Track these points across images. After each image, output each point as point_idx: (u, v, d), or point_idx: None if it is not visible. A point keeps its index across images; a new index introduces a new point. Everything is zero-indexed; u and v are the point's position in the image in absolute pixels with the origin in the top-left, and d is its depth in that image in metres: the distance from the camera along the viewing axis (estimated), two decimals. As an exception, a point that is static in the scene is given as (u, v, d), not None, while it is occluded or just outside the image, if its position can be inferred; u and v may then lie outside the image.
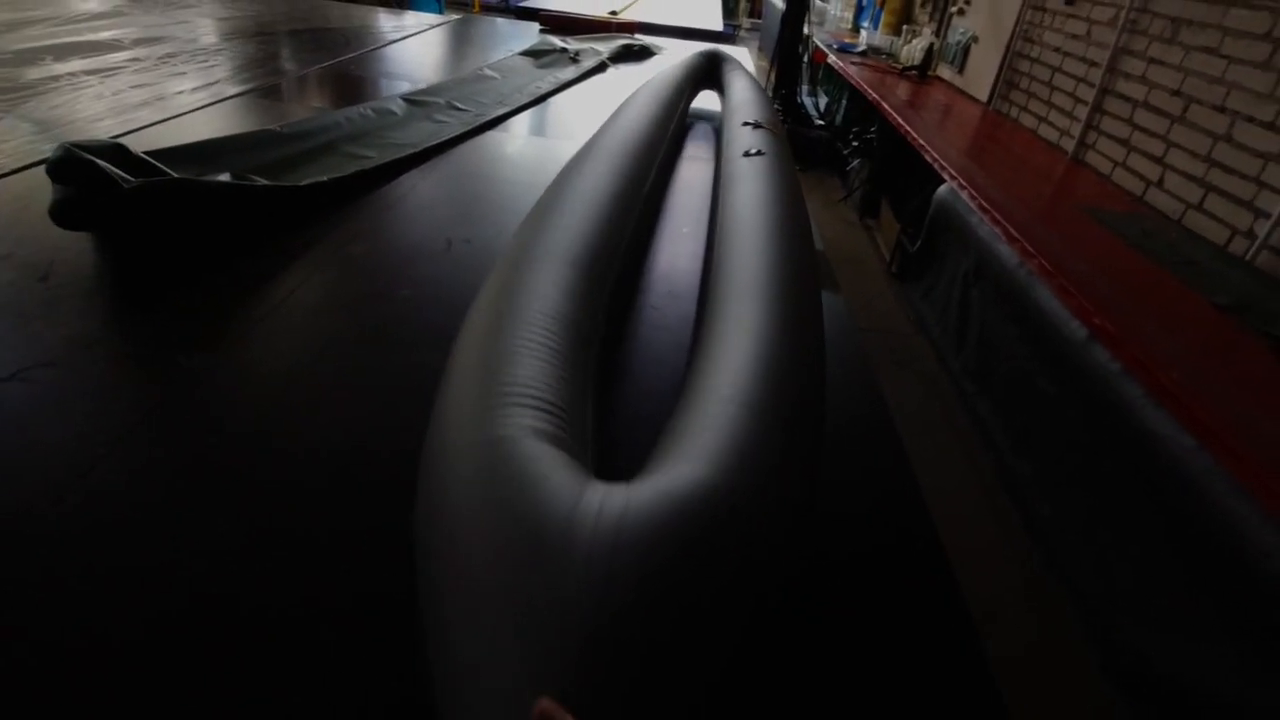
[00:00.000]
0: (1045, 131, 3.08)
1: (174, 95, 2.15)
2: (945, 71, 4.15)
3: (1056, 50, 3.05)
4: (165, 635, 0.63)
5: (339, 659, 0.62)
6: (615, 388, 1.05)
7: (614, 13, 5.25)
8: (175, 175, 1.32)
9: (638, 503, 0.50)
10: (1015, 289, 1.87)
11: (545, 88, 2.86)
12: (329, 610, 0.67)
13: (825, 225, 3.94)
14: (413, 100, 2.36)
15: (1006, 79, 3.48)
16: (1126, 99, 2.56)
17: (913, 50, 4.28)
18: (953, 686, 0.70)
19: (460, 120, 2.30)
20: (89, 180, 1.18)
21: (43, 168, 1.20)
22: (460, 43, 3.94)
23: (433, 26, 4.10)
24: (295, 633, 0.65)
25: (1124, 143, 2.54)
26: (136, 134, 1.81)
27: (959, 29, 3.98)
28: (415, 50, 3.52)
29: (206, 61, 2.61)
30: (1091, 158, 2.73)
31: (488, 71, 2.96)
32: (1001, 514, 1.93)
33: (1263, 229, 1.87)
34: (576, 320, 0.82)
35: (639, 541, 0.47)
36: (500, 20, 4.98)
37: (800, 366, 0.80)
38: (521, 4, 5.55)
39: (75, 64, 2.33)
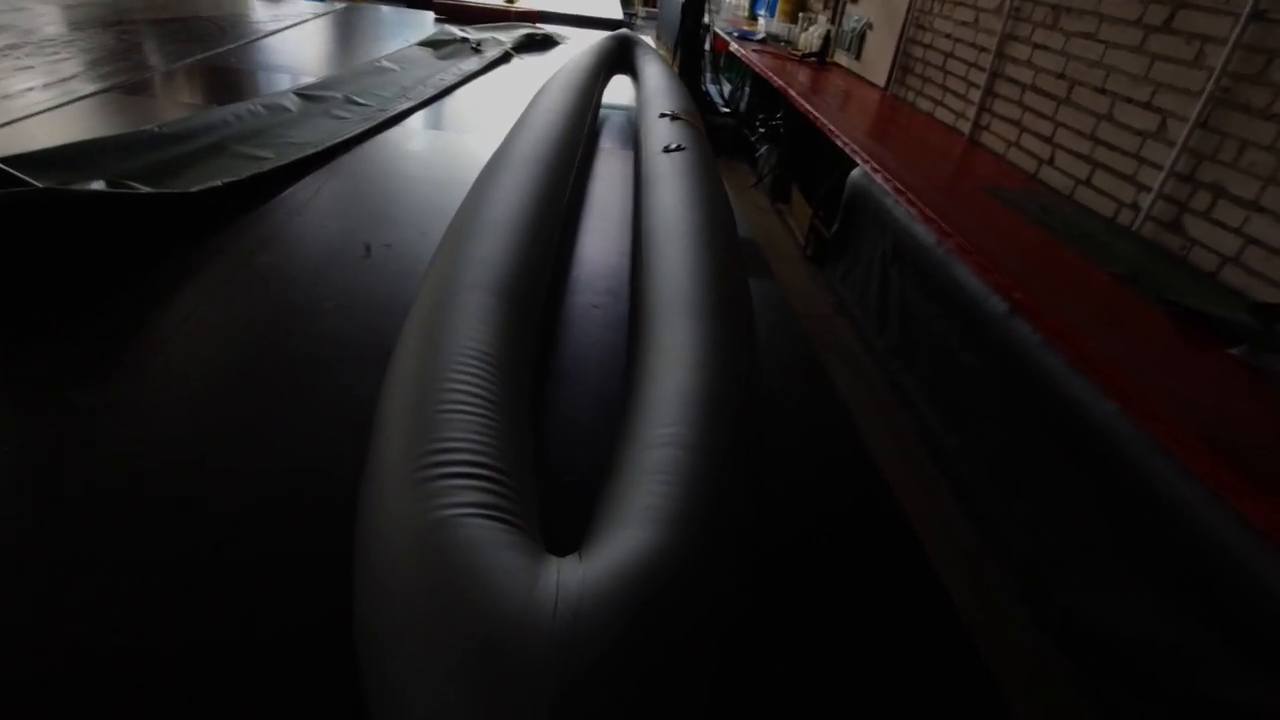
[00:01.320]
0: (942, 114, 3.22)
1: (21, 93, 1.90)
2: (843, 58, 4.28)
3: (948, 37, 3.19)
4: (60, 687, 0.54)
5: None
6: (559, 410, 0.99)
7: (510, 1, 5.10)
8: (40, 185, 1.16)
9: (592, 579, 0.48)
10: (933, 268, 1.94)
11: (449, 80, 2.74)
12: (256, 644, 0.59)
13: (740, 213, 3.99)
14: (306, 95, 2.20)
15: (902, 64, 3.62)
16: (1016, 82, 2.70)
17: (810, 37, 4.38)
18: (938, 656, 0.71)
19: (361, 115, 2.16)
20: (-67, 195, 1.01)
21: None
22: (350, 32, 3.72)
23: (317, 16, 3.84)
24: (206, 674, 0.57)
25: (1016, 124, 2.69)
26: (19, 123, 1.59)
27: (854, 16, 4.10)
28: (300, 40, 3.29)
29: (56, 54, 2.33)
30: (987, 139, 2.87)
31: (385, 63, 2.80)
32: (930, 484, 2.01)
33: (1145, 201, 2.02)
34: (507, 361, 0.76)
35: (599, 616, 0.46)
36: (390, 9, 4.73)
37: (737, 393, 0.78)
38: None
39: (-105, 59, 2.02)
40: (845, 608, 0.75)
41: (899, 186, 2.13)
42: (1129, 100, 2.12)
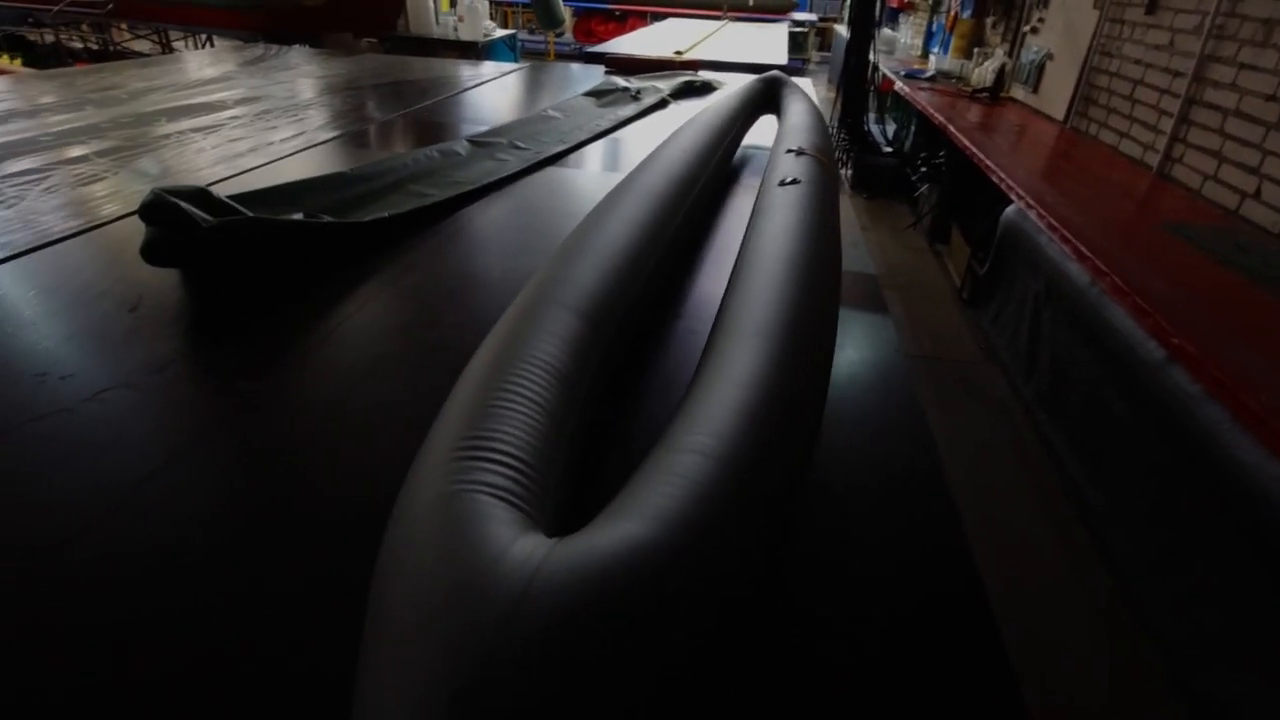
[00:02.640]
0: (1127, 147, 2.92)
1: (266, 146, 2.35)
2: (1019, 92, 4.02)
3: (1137, 63, 2.91)
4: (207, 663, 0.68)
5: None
6: (628, 423, 1.04)
7: (679, 52, 5.37)
8: (250, 215, 1.44)
9: (558, 555, 0.51)
10: (1087, 310, 1.77)
11: (604, 125, 2.96)
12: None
13: (892, 252, 3.85)
14: (477, 141, 2.49)
15: (1084, 95, 3.34)
16: (1216, 108, 2.40)
17: (984, 72, 4.17)
18: None
19: (519, 158, 2.41)
20: (174, 221, 1.31)
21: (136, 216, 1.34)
22: (530, 87, 4.13)
23: (504, 74, 4.32)
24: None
25: (1214, 154, 2.37)
26: (229, 180, 1.99)
27: (1033, 48, 3.86)
28: (487, 96, 3.72)
29: (298, 116, 2.84)
30: (1179, 172, 2.56)
31: (551, 112, 3.09)
32: (1079, 551, 1.79)
33: (1375, 240, 1.70)
34: (566, 370, 0.82)
35: (547, 587, 0.48)
36: (571, 65, 5.18)
37: (780, 411, 0.77)
38: (587, 50, 5.78)
39: (184, 123, 2.59)
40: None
41: (1052, 222, 1.97)
42: (1356, 123, 1.81)
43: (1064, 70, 3.48)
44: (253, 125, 2.62)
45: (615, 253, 1.17)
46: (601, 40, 10.80)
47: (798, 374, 0.88)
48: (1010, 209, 2.34)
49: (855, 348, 1.40)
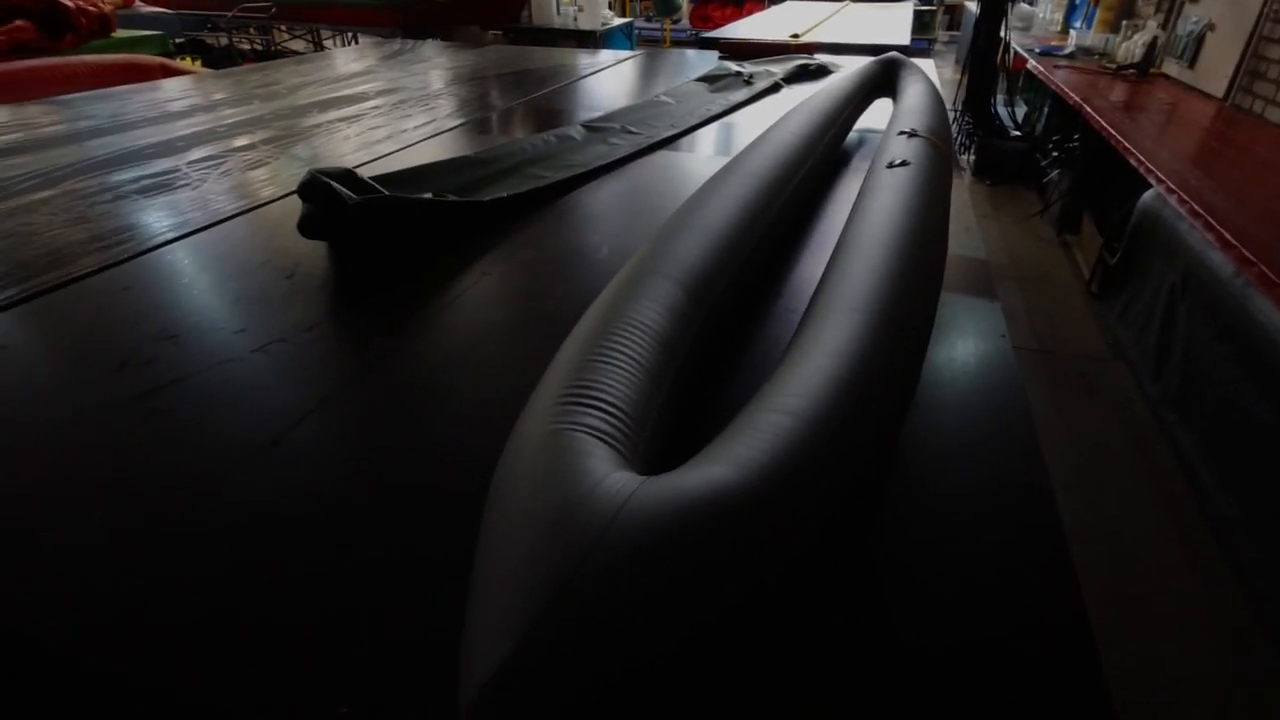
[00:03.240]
0: (1299, 126, 2.62)
1: (401, 133, 2.57)
2: (1172, 68, 3.67)
3: (1317, 31, 2.59)
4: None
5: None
6: (706, 399, 1.09)
7: (795, 35, 5.28)
8: (387, 193, 1.60)
9: (648, 491, 0.56)
10: (1229, 302, 1.63)
11: (715, 109, 2.99)
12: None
13: (1015, 241, 3.63)
14: (591, 126, 2.59)
15: (1250, 69, 3.01)
16: None
17: (1132, 46, 3.83)
18: None
19: (631, 142, 2.49)
20: (326, 198, 1.48)
21: (294, 195, 1.53)
22: (644, 73, 4.21)
23: (620, 61, 4.42)
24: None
25: (1406, 133, 2.10)
26: (363, 166, 2.19)
27: (1191, 18, 3.50)
28: (603, 83, 3.83)
29: (429, 105, 3.07)
30: (1360, 154, 2.28)
31: (663, 98, 3.15)
32: (1207, 563, 1.67)
33: None
34: (666, 333, 0.89)
35: (635, 522, 0.53)
36: (686, 51, 5.22)
37: (877, 381, 0.79)
38: (702, 35, 5.77)
39: (332, 114, 2.86)
40: None
41: (1195, 208, 1.81)
42: None
43: (1227, 42, 3.15)
44: (390, 114, 2.86)
45: (716, 230, 1.22)
46: (718, 25, 10.74)
47: (890, 349, 0.89)
48: (1148, 194, 2.17)
49: (959, 333, 1.37)
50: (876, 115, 2.81)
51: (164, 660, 0.68)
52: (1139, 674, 1.50)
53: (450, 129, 2.63)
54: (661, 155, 2.43)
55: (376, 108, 2.99)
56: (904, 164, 1.62)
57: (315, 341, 1.23)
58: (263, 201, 1.88)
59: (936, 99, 2.50)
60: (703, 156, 2.49)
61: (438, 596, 0.73)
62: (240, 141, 2.45)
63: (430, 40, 5.33)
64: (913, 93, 2.53)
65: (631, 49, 6.38)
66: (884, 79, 2.91)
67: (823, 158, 2.03)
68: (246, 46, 7.45)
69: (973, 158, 4.67)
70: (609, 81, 3.91)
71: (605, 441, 0.68)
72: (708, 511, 0.56)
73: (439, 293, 1.41)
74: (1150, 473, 1.94)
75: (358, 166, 2.16)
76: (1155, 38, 3.76)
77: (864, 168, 2.37)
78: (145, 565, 0.77)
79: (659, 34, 11.24)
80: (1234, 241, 1.66)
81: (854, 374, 0.80)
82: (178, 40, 6.83)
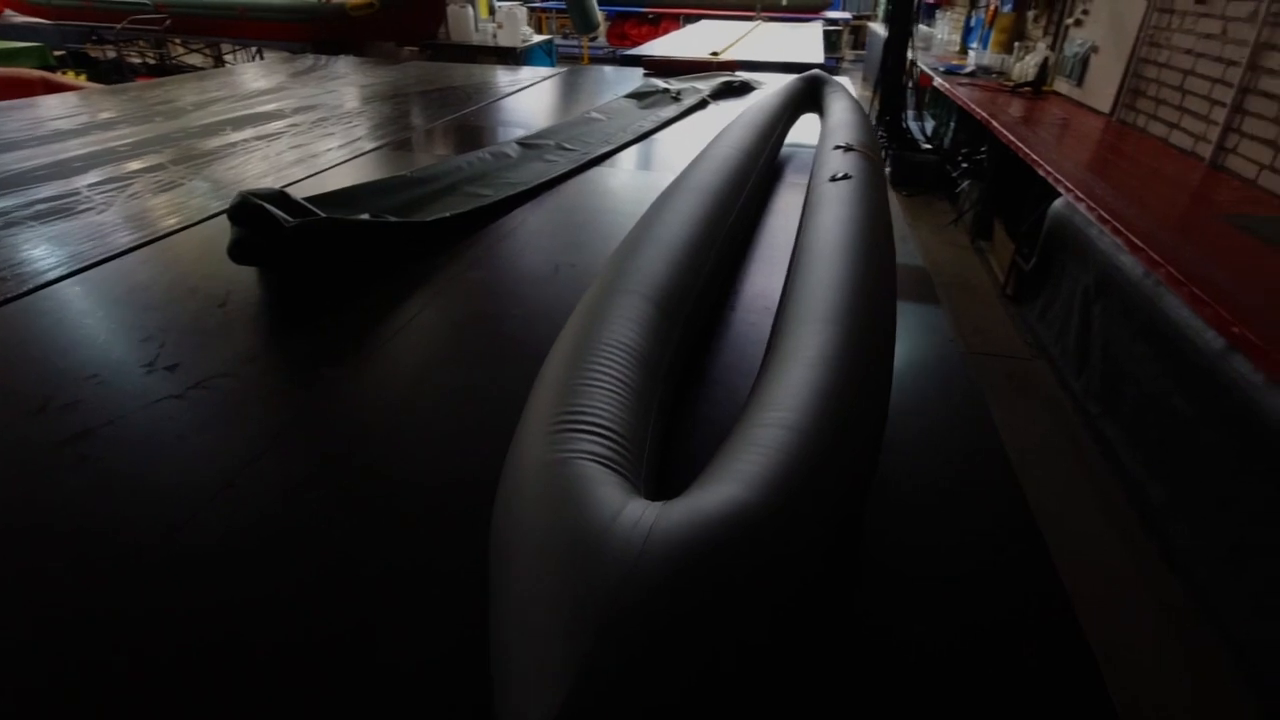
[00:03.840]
0: (1177, 139, 2.87)
1: (324, 153, 2.46)
2: (1062, 85, 3.97)
3: (1188, 52, 2.86)
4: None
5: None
6: (699, 405, 1.10)
7: (715, 53, 5.41)
8: (323, 215, 1.52)
9: (669, 518, 0.55)
10: (1142, 302, 1.76)
11: (647, 126, 3.01)
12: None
13: (933, 249, 3.83)
14: (526, 144, 2.56)
15: (1131, 87, 3.29)
16: (1272, 97, 2.36)
17: (1025, 66, 4.12)
18: None
19: (567, 159, 2.47)
20: (259, 222, 1.39)
21: (219, 218, 1.43)
22: (570, 90, 4.21)
23: (545, 79, 4.40)
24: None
25: (1271, 144, 2.33)
26: (292, 186, 2.08)
27: (1076, 40, 3.81)
28: (529, 100, 3.80)
29: (350, 122, 2.95)
30: (1233, 162, 2.52)
31: (594, 114, 3.15)
32: (1136, 546, 1.78)
33: None
34: (645, 351, 0.88)
35: (664, 550, 0.52)
36: (606, 68, 5.26)
37: (856, 389, 0.81)
38: (624, 53, 5.84)
39: (248, 132, 2.71)
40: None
41: (1104, 215, 1.96)
42: None
43: (1110, 62, 3.43)
44: (310, 133, 2.73)
45: (679, 245, 1.22)
46: (636, 43, 10.89)
47: (864, 357, 0.91)
48: (1058, 202, 2.33)
49: (910, 338, 1.42)
50: (803, 131, 2.91)
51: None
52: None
53: (377, 148, 2.54)
54: (599, 171, 2.43)
55: (295, 125, 2.85)
56: (846, 177, 1.67)
57: (260, 375, 1.14)
58: (178, 226, 1.75)
59: (862, 114, 2.60)
60: (639, 173, 2.50)
61: (425, 639, 0.68)
62: (144, 163, 2.28)
63: (344, 56, 5.16)
64: (839, 108, 2.63)
65: (553, 66, 6.38)
66: (809, 96, 3.01)
67: (762, 172, 2.08)
68: (138, 60, 6.99)
69: (889, 170, 4.90)
70: (537, 98, 3.88)
71: (610, 468, 0.66)
72: (730, 532, 0.56)
73: (389, 317, 1.34)
74: (1078, 461, 2.07)
75: (284, 187, 2.06)
76: (1046, 58, 4.07)
77: (798, 182, 2.44)
78: (101, 624, 0.69)
79: (577, 51, 11.30)
80: (1142, 245, 1.80)
81: (836, 383, 0.81)
82: (58, 53, 6.34)
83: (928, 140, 5.02)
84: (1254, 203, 2.21)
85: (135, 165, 2.24)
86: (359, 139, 2.64)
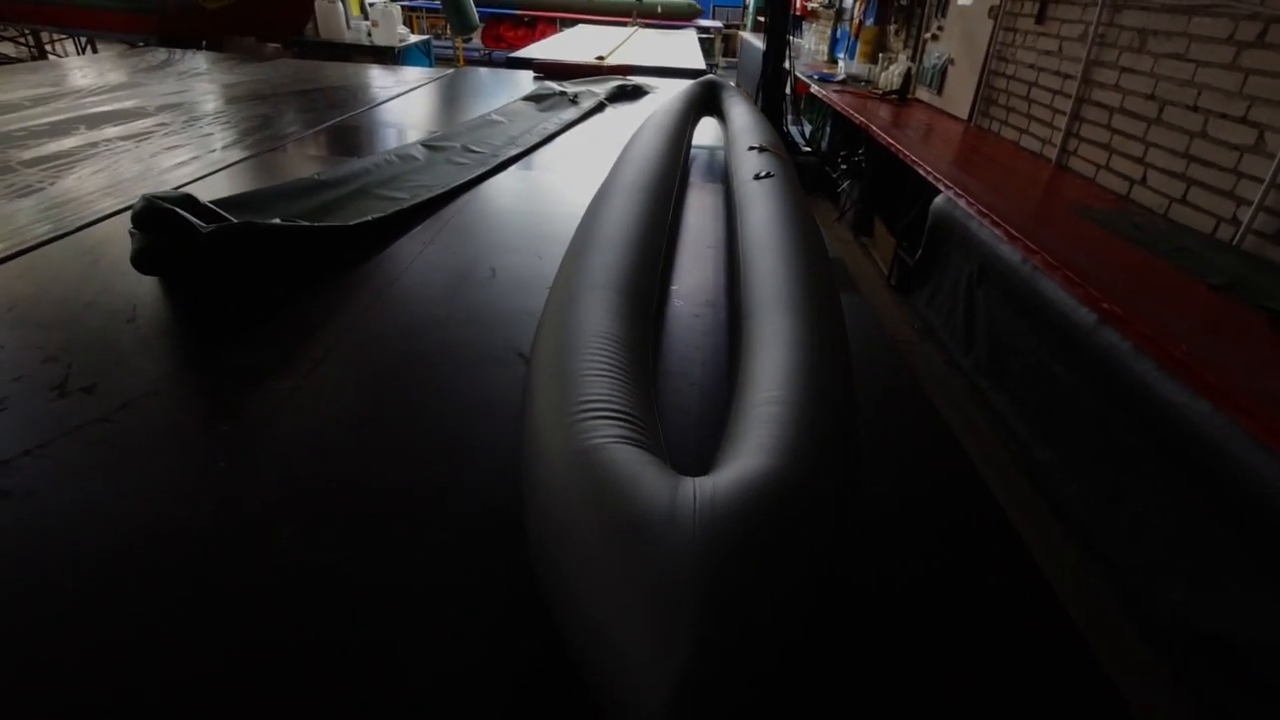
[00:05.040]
0: (1027, 142, 3.24)
1: (207, 153, 2.26)
2: (924, 94, 4.35)
3: (1031, 66, 3.23)
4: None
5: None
6: (667, 392, 1.13)
7: (601, 58, 5.47)
8: (237, 221, 1.41)
9: (724, 490, 0.59)
10: (1020, 285, 1.98)
11: (551, 128, 3.00)
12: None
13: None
14: (431, 146, 2.48)
15: (985, 96, 3.66)
16: (1104, 106, 2.71)
17: (890, 76, 4.48)
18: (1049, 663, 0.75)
19: (477, 161, 2.42)
20: (170, 227, 1.27)
21: (101, 224, 1.29)
22: (459, 93, 4.11)
23: (431, 80, 4.27)
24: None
25: (1105, 147, 2.69)
26: (185, 188, 1.91)
27: (934, 53, 4.19)
28: (419, 102, 3.68)
29: (227, 123, 2.73)
30: (1075, 163, 2.87)
31: (495, 116, 3.10)
32: (1023, 503, 2.00)
33: (1245, 215, 1.99)
34: (629, 339, 0.91)
35: (730, 518, 0.56)
36: (491, 71, 5.18)
37: (830, 366, 0.89)
38: (512, 55, 5.77)
39: (109, 130, 2.44)
40: (957, 624, 0.78)
41: (982, 209, 2.18)
42: (1224, 116, 2.11)
43: (965, 74, 3.81)
44: (185, 132, 2.51)
45: (633, 239, 1.25)
46: (511, 45, 10.72)
47: (829, 338, 0.99)
48: (939, 199, 2.56)
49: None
50: (702, 134, 3.02)
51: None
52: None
53: (265, 151, 2.37)
54: (512, 173, 2.40)
55: (164, 125, 2.61)
56: (769, 175, 1.76)
57: (194, 394, 1.05)
58: (51, 236, 1.56)
59: (761, 117, 2.74)
60: (555, 174, 2.50)
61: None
62: (-9, 164, 2.01)
63: (203, 51, 4.75)
64: (740, 112, 2.75)
65: (431, 66, 6.18)
66: (707, 100, 3.13)
67: (681, 173, 2.14)
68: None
69: (770, 172, 5.16)
70: (429, 100, 3.76)
71: (643, 449, 0.67)
72: (779, 496, 0.60)
73: (326, 326, 1.27)
74: (972, 434, 2.29)
75: (169, 189, 1.88)
76: (908, 69, 4.45)
77: (706, 181, 2.54)
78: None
79: (452, 52, 10.99)
80: (1019, 235, 2.03)
81: (812, 362, 0.88)
82: None
83: (806, 143, 5.34)
84: (1096, 198, 2.54)
85: (-22, 168, 1.96)
86: (239, 140, 2.46)
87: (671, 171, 1.87)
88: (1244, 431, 1.22)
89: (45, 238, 1.53)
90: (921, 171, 2.71)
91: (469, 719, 0.61)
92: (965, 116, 3.78)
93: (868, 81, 4.87)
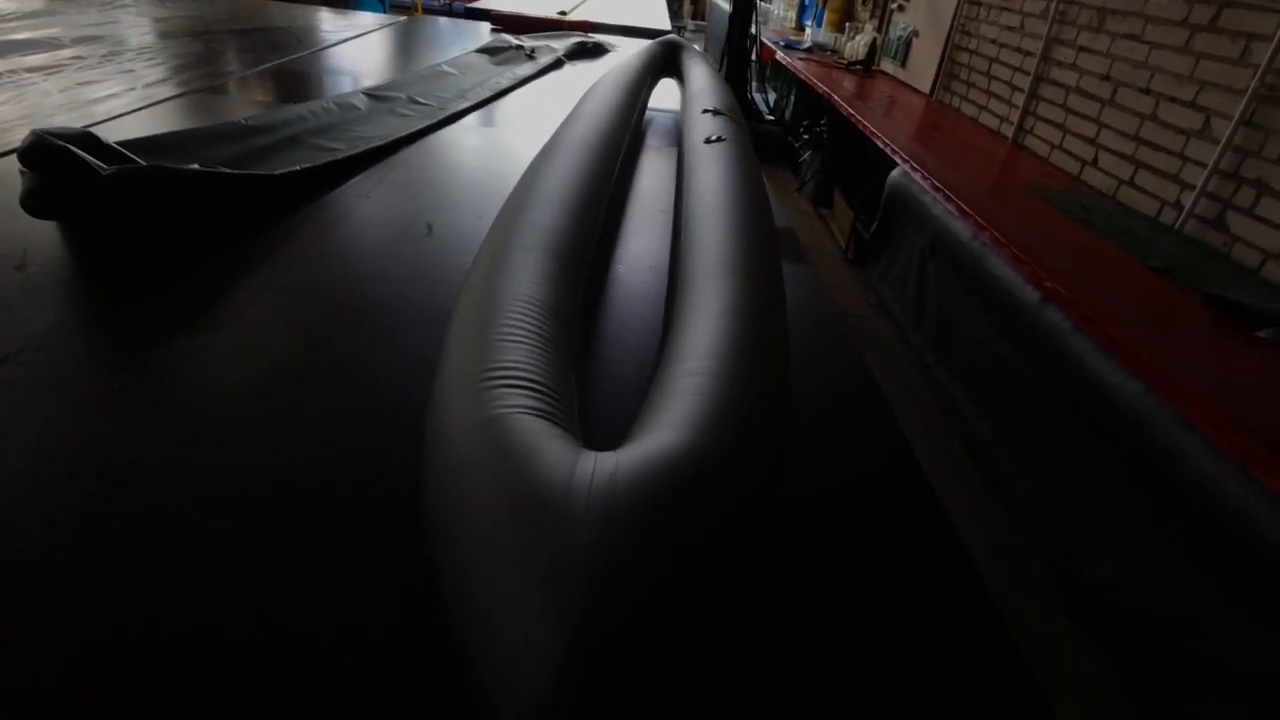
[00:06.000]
0: (986, 119, 3.24)
1: (126, 91, 2.10)
2: (889, 66, 4.32)
3: (993, 42, 3.21)
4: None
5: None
6: (601, 361, 1.09)
7: (563, 13, 5.28)
8: (145, 164, 1.30)
9: (626, 465, 0.55)
10: (970, 261, 1.98)
11: (504, 83, 2.88)
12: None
13: (780, 217, 4.05)
14: (374, 95, 2.35)
15: (947, 71, 3.64)
16: (1060, 85, 2.72)
17: (856, 46, 4.43)
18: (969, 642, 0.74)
19: (423, 114, 2.30)
20: (64, 167, 1.16)
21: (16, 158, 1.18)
22: (411, 42, 3.92)
23: (382, 26, 4.06)
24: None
25: (1060, 126, 2.70)
26: (96, 128, 1.77)
27: (900, 25, 4.14)
28: (365, 48, 3.50)
29: (153, 59, 2.54)
30: (1030, 142, 2.88)
31: (446, 68, 2.96)
32: (964, 479, 2.03)
33: (1188, 199, 2.02)
34: (556, 305, 0.86)
35: (631, 497, 0.52)
36: (449, 20, 4.95)
37: (762, 336, 0.85)
38: (470, 5, 5.53)
39: (16, 60, 2.25)
40: (880, 600, 0.77)
41: (936, 184, 2.17)
42: (1173, 100, 2.13)
43: (929, 46, 3.78)
44: (103, 68, 2.32)
45: (571, 201, 1.18)
46: (472, -3, 10.33)
47: (763, 306, 0.95)
48: (895, 172, 2.54)
49: (791, 294, 1.50)
50: (661, 96, 2.94)
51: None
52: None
53: (190, 91, 2.21)
54: (459, 127, 2.29)
55: (80, 59, 2.41)
56: (720, 139, 1.71)
57: (88, 349, 0.97)
58: (-58, 172, 1.42)
59: (720, 80, 2.67)
60: (505, 130, 2.39)
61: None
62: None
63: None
64: (698, 74, 2.67)
65: (384, 13, 5.88)
66: (667, 61, 3.03)
67: (632, 134, 2.07)
68: None
69: (733, 140, 5.08)
70: (378, 47, 3.58)
71: (550, 420, 0.63)
72: (689, 474, 0.56)
73: (243, 281, 1.18)
74: (919, 409, 2.31)
75: (89, 127, 1.75)
76: (874, 40, 4.40)
77: (661, 145, 2.47)
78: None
79: (410, 1, 10.52)
80: (970, 211, 2.02)
81: (745, 330, 0.84)
82: None
83: (770, 111, 5.28)
84: (1049, 177, 2.56)
85: None
86: (166, 79, 2.29)
87: (620, 132, 1.80)
88: (1173, 413, 1.24)
89: (-69, 174, 1.40)
90: (879, 144, 2.69)
91: (380, 695, 0.57)
92: (927, 91, 3.76)
93: (834, 51, 4.81)
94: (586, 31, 4.47)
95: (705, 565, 0.55)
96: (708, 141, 1.70)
